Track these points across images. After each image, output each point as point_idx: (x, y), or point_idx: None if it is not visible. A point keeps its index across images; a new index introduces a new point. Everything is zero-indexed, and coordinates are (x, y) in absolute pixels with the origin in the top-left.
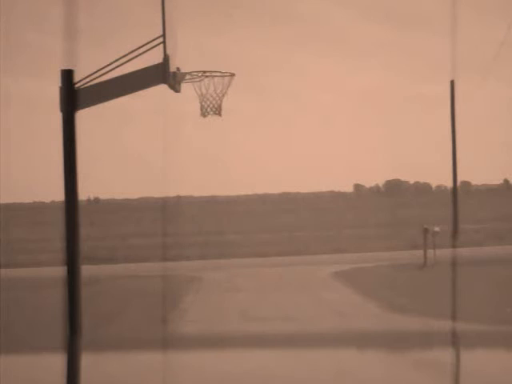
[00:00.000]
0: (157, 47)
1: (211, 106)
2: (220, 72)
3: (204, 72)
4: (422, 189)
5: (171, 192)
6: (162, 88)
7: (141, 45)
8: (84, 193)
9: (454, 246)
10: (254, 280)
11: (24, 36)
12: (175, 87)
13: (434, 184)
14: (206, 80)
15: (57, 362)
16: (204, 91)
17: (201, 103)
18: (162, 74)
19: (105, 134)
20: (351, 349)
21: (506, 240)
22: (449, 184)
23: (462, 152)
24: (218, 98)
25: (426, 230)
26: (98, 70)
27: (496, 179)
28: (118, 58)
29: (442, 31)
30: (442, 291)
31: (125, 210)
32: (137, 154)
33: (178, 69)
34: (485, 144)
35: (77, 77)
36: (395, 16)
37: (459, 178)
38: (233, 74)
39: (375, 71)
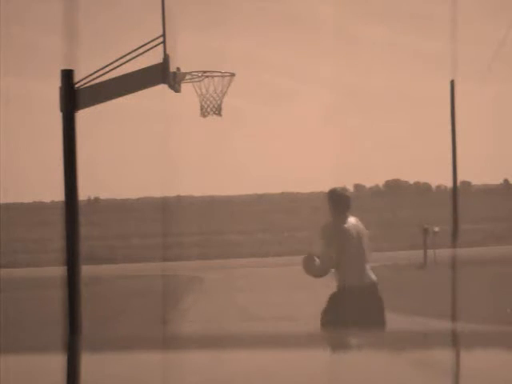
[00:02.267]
0: (157, 47)
1: (211, 106)
2: (220, 72)
3: (204, 72)
4: (422, 189)
5: (171, 192)
6: (162, 88)
7: (141, 45)
8: (84, 193)
9: (454, 246)
10: (254, 280)
11: (24, 36)
12: (175, 87)
13: (433, 184)
14: (206, 80)
15: (57, 362)
16: (204, 91)
17: (201, 103)
18: (162, 74)
19: (105, 134)
20: (351, 349)
21: (505, 240)
22: (449, 184)
23: (461, 152)
24: (217, 98)
25: (425, 230)
26: (98, 70)
27: (496, 179)
28: (118, 58)
29: (442, 31)
30: (442, 291)
31: (125, 210)
32: (137, 154)
33: (178, 69)
34: (485, 144)
35: (77, 77)
36: (395, 15)
37: (459, 178)
38: (233, 74)
39: (375, 71)
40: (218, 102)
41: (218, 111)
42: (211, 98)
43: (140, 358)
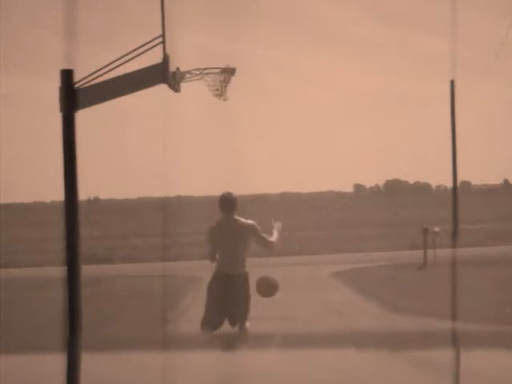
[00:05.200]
0: (157, 47)
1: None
2: (220, 68)
3: (203, 69)
4: (422, 189)
5: (171, 192)
6: (162, 88)
7: (141, 45)
8: (84, 193)
9: (454, 246)
10: (253, 280)
11: (24, 36)
12: (175, 87)
13: (433, 184)
14: (207, 77)
15: (57, 362)
16: (211, 83)
17: (214, 92)
18: (162, 74)
19: (105, 134)
20: (351, 349)
21: (505, 240)
22: (449, 184)
23: (461, 152)
24: (222, 87)
25: (425, 230)
26: (98, 70)
27: (496, 179)
28: (118, 57)
29: (442, 31)
30: (442, 291)
31: (125, 210)
32: (137, 154)
33: (177, 69)
34: (485, 144)
35: (77, 77)
36: (395, 16)
37: (459, 178)
38: (233, 69)
39: (375, 71)
40: (223, 88)
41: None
42: (214, 88)
43: (140, 358)
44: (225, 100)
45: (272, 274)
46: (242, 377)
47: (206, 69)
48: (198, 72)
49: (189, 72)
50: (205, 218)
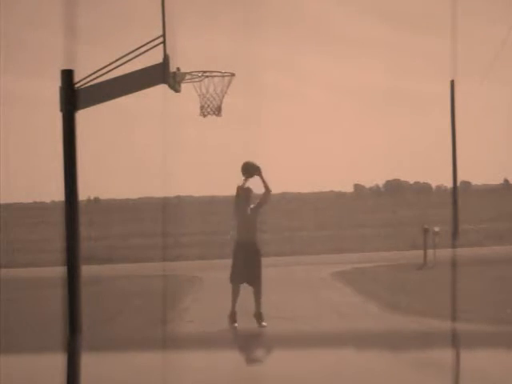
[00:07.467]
0: (157, 47)
1: (211, 106)
2: (220, 72)
3: (204, 72)
4: (422, 189)
5: (171, 192)
6: (162, 88)
7: (141, 45)
8: (84, 193)
9: (454, 246)
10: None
11: (24, 36)
12: (175, 87)
13: (433, 184)
14: (206, 80)
15: (57, 362)
16: (204, 91)
17: (201, 103)
18: (162, 74)
19: (105, 134)
20: (351, 349)
21: (506, 240)
22: (449, 184)
23: (461, 152)
24: (218, 99)
25: (425, 230)
26: (98, 70)
27: (496, 179)
28: (118, 57)
29: (442, 31)
30: (442, 291)
31: (125, 210)
32: (137, 154)
33: (178, 69)
34: (485, 144)
35: (77, 77)
36: (396, 16)
37: (459, 178)
38: (233, 74)
39: (376, 71)
40: (218, 102)
41: (217, 111)
42: (211, 98)
43: (140, 358)
44: (203, 116)
45: (272, 273)
46: (242, 377)
47: (206, 71)
48: (198, 74)
49: (189, 73)
50: (205, 218)
